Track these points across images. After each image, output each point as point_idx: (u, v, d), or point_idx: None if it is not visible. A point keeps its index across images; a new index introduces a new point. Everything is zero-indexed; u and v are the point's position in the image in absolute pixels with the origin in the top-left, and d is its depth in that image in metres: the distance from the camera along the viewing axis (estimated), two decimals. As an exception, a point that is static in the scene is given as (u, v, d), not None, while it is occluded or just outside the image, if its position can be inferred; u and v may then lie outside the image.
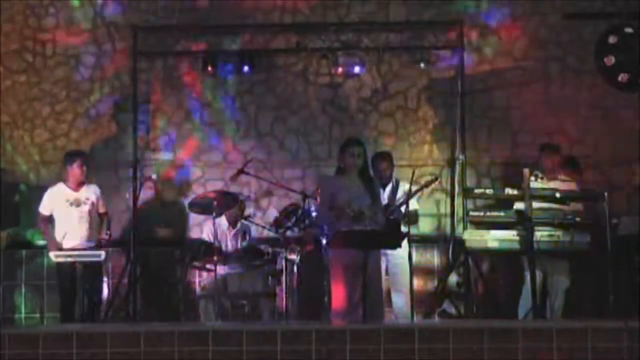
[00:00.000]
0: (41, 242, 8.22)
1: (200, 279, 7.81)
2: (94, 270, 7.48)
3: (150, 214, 8.49)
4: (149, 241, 8.25)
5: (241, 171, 7.99)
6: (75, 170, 7.56)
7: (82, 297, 7.46)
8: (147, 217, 8.38)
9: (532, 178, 7.01)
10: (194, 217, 8.25)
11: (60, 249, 7.42)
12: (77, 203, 7.56)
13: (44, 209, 7.61)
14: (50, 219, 7.60)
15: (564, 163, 7.65)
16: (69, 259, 7.46)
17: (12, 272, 8.26)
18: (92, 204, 7.62)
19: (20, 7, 8.72)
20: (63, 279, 7.47)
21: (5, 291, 8.07)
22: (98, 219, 7.67)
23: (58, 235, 7.53)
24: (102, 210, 7.72)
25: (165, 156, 8.70)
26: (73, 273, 7.43)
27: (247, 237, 7.86)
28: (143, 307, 8.15)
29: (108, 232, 7.66)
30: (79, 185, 7.61)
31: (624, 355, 4.90)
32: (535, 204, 6.94)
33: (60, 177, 7.78)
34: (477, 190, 7.72)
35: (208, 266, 7.28)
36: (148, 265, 8.27)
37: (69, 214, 7.55)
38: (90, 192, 7.65)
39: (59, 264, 7.42)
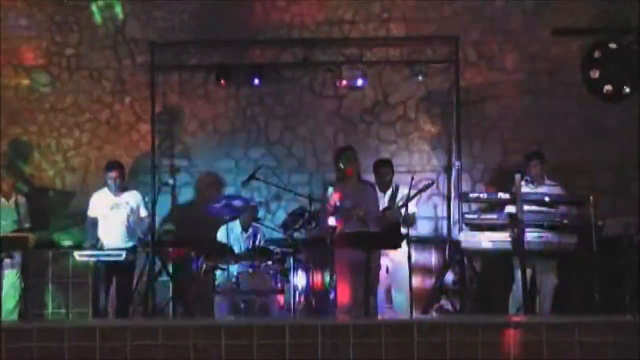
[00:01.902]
0: (67, 243, 8.26)
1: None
2: (128, 269, 7.53)
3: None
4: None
5: (252, 177, 8.01)
6: (112, 180, 7.62)
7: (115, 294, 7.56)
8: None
9: (523, 183, 7.04)
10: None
11: (101, 248, 7.47)
12: (117, 207, 7.64)
13: (91, 211, 7.72)
14: (95, 220, 7.68)
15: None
16: (92, 259, 7.51)
17: (41, 271, 8.27)
18: (132, 209, 7.68)
19: (48, 25, 8.77)
20: (96, 277, 7.54)
21: (35, 289, 8.07)
22: (140, 222, 7.71)
23: (101, 235, 7.60)
24: (142, 214, 7.73)
25: (180, 163, 8.72)
26: (106, 271, 7.48)
27: (259, 239, 7.87)
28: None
29: (140, 235, 7.70)
30: (120, 191, 7.66)
31: (609, 350, 4.91)
32: (526, 207, 6.94)
33: (84, 184, 7.84)
34: (472, 195, 7.73)
35: (222, 266, 7.30)
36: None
37: (108, 217, 7.64)
38: (130, 198, 7.72)
39: (95, 263, 7.49)
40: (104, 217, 7.67)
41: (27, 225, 7.72)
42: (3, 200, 7.79)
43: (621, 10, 8.33)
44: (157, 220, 7.93)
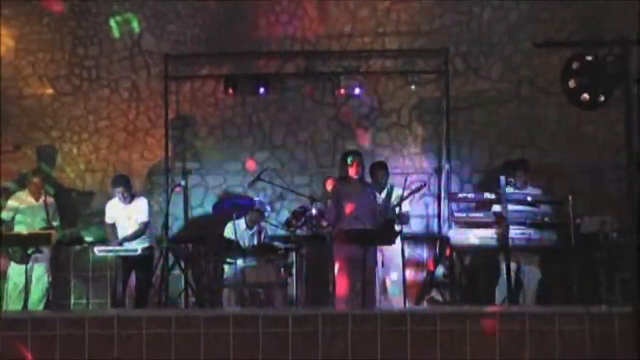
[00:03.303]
0: (88, 239, 8.27)
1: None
2: (145, 264, 7.55)
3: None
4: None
5: (257, 178, 8.01)
6: (120, 194, 7.63)
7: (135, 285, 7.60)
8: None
9: (508, 185, 7.04)
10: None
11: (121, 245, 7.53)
12: (128, 215, 7.66)
13: (106, 218, 7.75)
14: (113, 225, 7.71)
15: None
16: (110, 254, 7.53)
17: (64, 265, 8.30)
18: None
19: (70, 38, 8.78)
20: (116, 270, 7.58)
21: (58, 281, 8.11)
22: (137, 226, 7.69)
23: (120, 236, 7.65)
24: (141, 219, 7.68)
25: (192, 165, 8.73)
26: (124, 266, 7.50)
27: (263, 236, 7.87)
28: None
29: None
30: (128, 202, 7.67)
31: (586, 337, 4.92)
32: (510, 207, 6.95)
33: (103, 185, 7.91)
34: (460, 195, 7.73)
35: (229, 260, 7.31)
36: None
37: (123, 223, 7.68)
38: (137, 205, 7.70)
39: (118, 258, 7.53)
40: (119, 225, 7.70)
41: (56, 223, 7.73)
42: (32, 199, 7.82)
43: (597, 25, 8.36)
44: (170, 219, 7.96)
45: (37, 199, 7.81)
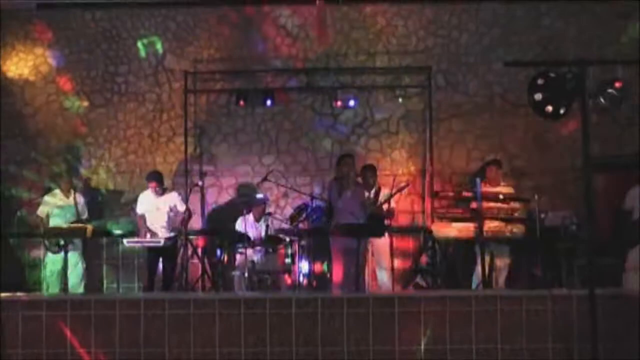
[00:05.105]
0: (117, 231, 8.27)
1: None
2: (170, 253, 7.57)
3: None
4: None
5: (265, 179, 8.04)
6: (152, 188, 7.69)
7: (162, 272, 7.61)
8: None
9: (482, 184, 7.06)
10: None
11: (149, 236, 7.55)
12: (157, 207, 7.69)
13: (138, 208, 7.76)
14: (143, 216, 7.72)
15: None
16: (138, 245, 7.55)
17: (97, 254, 8.33)
18: (170, 207, 7.71)
19: (102, 58, 8.82)
20: (149, 259, 7.61)
21: (93, 268, 8.13)
22: (180, 216, 7.72)
23: (149, 225, 7.66)
24: (181, 209, 7.71)
25: (207, 168, 8.75)
26: (153, 255, 7.53)
27: (270, 229, 7.90)
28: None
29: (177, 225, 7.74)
30: (160, 195, 7.70)
31: (548, 316, 4.96)
32: (485, 203, 6.97)
33: (131, 184, 7.92)
34: (441, 193, 7.74)
35: (240, 250, 7.33)
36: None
37: (153, 214, 7.69)
38: (169, 198, 7.74)
39: (148, 248, 7.56)
40: (149, 214, 7.71)
41: (85, 217, 7.71)
42: (64, 197, 7.81)
43: (558, 48, 8.43)
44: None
45: (67, 197, 7.79)
